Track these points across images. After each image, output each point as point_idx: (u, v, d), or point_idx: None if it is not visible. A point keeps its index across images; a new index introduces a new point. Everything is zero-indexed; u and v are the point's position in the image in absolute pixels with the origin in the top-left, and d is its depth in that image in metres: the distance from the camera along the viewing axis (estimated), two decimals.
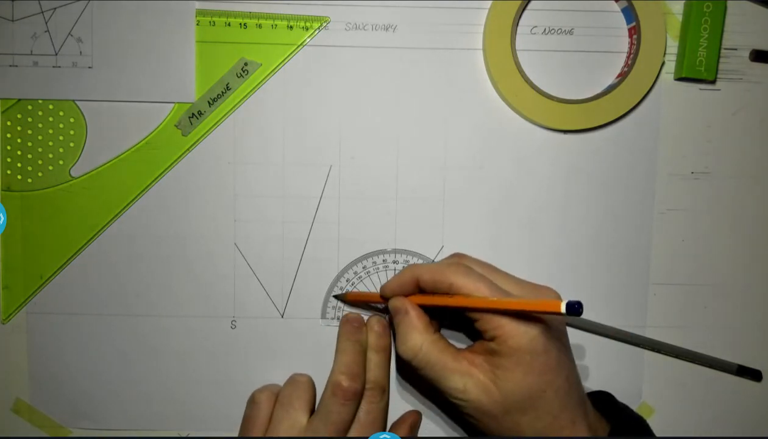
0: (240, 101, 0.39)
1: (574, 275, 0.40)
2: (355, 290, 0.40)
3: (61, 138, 0.39)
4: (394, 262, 0.40)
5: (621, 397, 0.39)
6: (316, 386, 0.39)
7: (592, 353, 0.41)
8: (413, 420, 0.40)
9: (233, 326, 0.40)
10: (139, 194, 0.40)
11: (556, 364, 0.33)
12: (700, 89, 0.40)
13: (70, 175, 0.39)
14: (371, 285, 0.40)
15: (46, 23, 0.38)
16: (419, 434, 0.41)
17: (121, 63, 0.39)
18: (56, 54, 0.38)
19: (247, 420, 0.38)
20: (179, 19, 0.39)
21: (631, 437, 0.35)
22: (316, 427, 0.36)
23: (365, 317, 0.40)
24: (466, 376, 0.33)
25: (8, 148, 0.39)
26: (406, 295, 0.36)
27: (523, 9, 0.39)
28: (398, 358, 0.40)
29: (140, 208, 0.40)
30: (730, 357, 0.41)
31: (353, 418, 0.37)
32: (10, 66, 0.38)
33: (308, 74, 0.39)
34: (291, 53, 0.39)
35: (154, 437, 0.41)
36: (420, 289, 0.36)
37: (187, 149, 0.39)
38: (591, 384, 0.41)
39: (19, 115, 0.39)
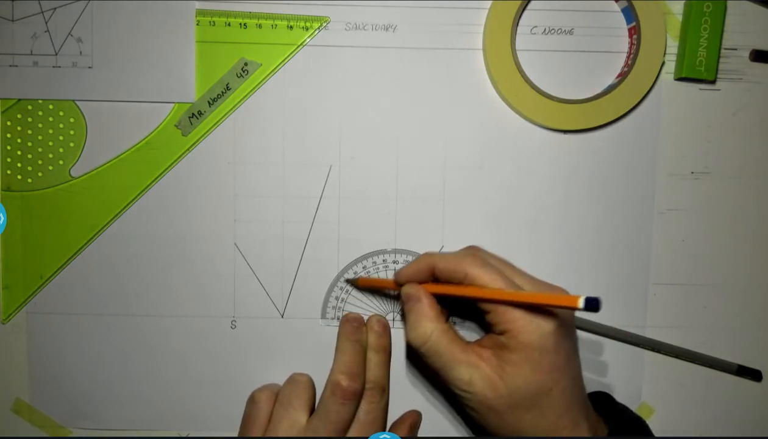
0: (240, 101, 0.39)
1: (574, 275, 0.40)
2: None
3: (61, 138, 0.39)
4: (394, 262, 0.40)
5: (621, 397, 0.39)
6: (316, 386, 0.39)
7: (592, 353, 0.41)
8: (413, 420, 0.40)
9: (233, 326, 0.40)
10: (139, 194, 0.40)
11: (564, 363, 0.33)
12: (700, 89, 0.40)
13: (70, 175, 0.39)
14: None
15: (46, 23, 0.38)
16: (419, 434, 0.41)
17: (121, 63, 0.39)
18: (56, 54, 0.38)
19: (246, 419, 0.38)
20: (179, 19, 0.39)
21: (630, 438, 0.35)
22: (315, 426, 0.36)
23: (365, 317, 0.40)
24: (473, 368, 0.33)
25: (8, 148, 0.39)
26: (420, 282, 0.36)
27: (523, 9, 0.39)
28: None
29: (140, 208, 0.40)
30: (730, 357, 0.41)
31: (353, 418, 0.37)
32: (10, 66, 0.38)
33: (308, 74, 0.39)
34: (291, 53, 0.39)
35: (154, 437, 0.41)
36: (434, 278, 0.36)
37: (187, 149, 0.39)
38: (591, 384, 0.41)
39: (19, 115, 0.39)
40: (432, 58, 0.39)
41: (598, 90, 0.39)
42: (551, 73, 0.39)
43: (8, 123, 0.39)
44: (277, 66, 0.39)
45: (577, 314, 0.34)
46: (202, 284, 0.40)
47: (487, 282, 0.33)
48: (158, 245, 0.40)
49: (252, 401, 0.38)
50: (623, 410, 0.37)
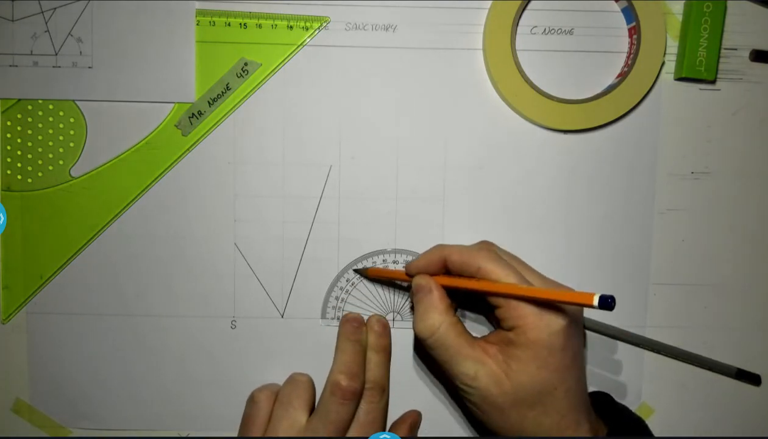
0: (240, 101, 0.39)
1: (574, 275, 0.40)
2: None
3: (61, 138, 0.39)
4: (394, 262, 0.40)
5: (621, 397, 0.39)
6: (316, 386, 0.39)
7: (592, 353, 0.41)
8: (413, 420, 0.40)
9: (233, 326, 0.40)
10: (138, 194, 0.40)
11: (570, 363, 0.33)
12: (700, 89, 0.40)
13: (70, 175, 0.39)
14: (371, 285, 0.40)
15: (46, 23, 0.38)
16: (419, 434, 0.41)
17: (121, 63, 0.39)
18: (56, 54, 0.38)
19: (246, 419, 0.38)
20: (179, 19, 0.39)
21: (630, 438, 0.35)
22: (315, 426, 0.36)
23: (365, 317, 0.40)
24: (478, 363, 0.33)
25: (8, 148, 0.39)
26: (432, 274, 0.36)
27: (523, 9, 0.39)
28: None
29: (140, 208, 0.40)
30: (730, 357, 0.41)
31: (352, 417, 0.37)
32: (10, 66, 0.38)
33: (308, 74, 0.39)
34: (291, 53, 0.39)
35: (154, 437, 0.41)
36: (446, 270, 0.36)
37: (187, 149, 0.39)
38: (591, 384, 0.40)
39: (19, 115, 0.39)
40: (432, 58, 0.39)
41: (598, 90, 0.39)
42: (551, 73, 0.39)
43: (8, 123, 0.39)
44: (277, 66, 0.39)
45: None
46: (201, 284, 0.40)
47: (500, 276, 0.33)
48: (158, 245, 0.40)
49: (252, 400, 0.38)
50: (623, 410, 0.37)
